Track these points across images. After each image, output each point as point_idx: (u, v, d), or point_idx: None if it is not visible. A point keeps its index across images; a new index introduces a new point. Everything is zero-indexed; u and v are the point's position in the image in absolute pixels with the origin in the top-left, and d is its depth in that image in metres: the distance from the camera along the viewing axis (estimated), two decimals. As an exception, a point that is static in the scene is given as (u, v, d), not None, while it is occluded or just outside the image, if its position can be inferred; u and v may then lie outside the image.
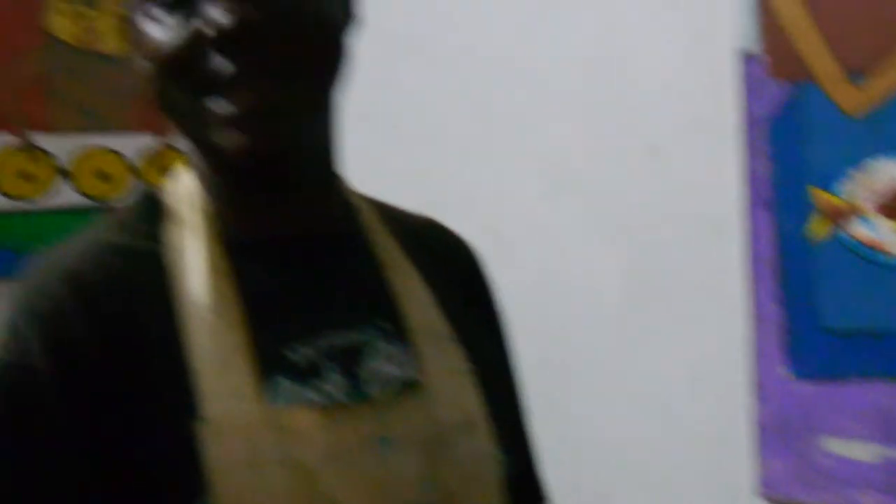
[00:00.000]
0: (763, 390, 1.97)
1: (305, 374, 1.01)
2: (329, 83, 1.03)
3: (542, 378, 2.15)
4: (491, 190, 2.29)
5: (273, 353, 1.00)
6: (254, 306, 1.02)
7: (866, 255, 1.89)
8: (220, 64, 0.97)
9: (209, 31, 0.96)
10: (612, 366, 2.17)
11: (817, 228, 1.93)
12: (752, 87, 1.98)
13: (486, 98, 2.30)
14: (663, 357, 2.08)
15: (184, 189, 1.09)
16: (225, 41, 0.96)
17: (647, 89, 2.11)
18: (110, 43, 2.40)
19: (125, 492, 0.96)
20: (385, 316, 1.08)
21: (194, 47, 0.97)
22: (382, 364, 1.05)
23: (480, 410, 1.09)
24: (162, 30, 0.98)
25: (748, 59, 1.98)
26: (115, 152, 2.42)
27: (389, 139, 2.38)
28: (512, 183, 2.25)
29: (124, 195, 2.41)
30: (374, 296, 1.09)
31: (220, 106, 0.97)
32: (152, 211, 1.08)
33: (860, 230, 1.89)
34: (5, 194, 2.29)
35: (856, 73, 1.89)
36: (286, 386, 0.99)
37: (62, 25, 2.34)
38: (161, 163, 2.46)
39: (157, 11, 0.99)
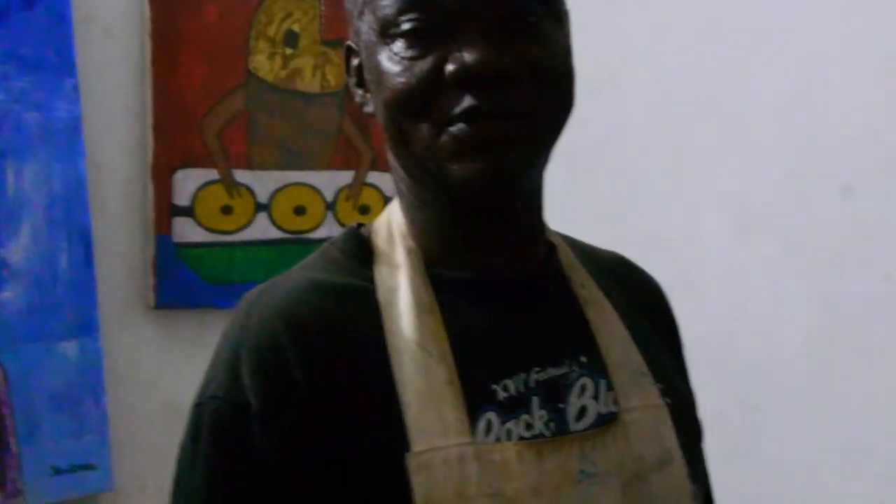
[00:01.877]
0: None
1: (511, 409, 1.03)
2: (561, 128, 1.07)
3: (729, 418, 2.16)
4: (681, 229, 2.29)
5: (480, 388, 1.03)
6: (461, 342, 1.04)
7: None
8: (465, 98, 1.00)
9: (460, 74, 1.00)
10: (799, 407, 2.15)
11: None
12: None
13: (679, 137, 2.31)
14: (852, 401, 2.06)
15: (389, 226, 1.11)
16: (474, 80, 1.00)
17: (842, 128, 2.09)
18: (309, 82, 2.46)
19: None
20: (586, 352, 1.10)
21: (439, 83, 1.01)
22: (585, 399, 1.07)
23: (676, 445, 1.11)
24: (401, 66, 1.02)
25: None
26: (312, 187, 2.48)
27: (582, 176, 2.40)
28: (702, 222, 2.26)
29: (319, 229, 2.47)
30: (575, 332, 1.12)
31: (460, 132, 1.01)
32: (360, 249, 1.11)
33: None
34: (207, 228, 2.37)
35: None
36: (493, 420, 1.02)
37: (264, 65, 2.41)
38: (355, 199, 2.51)
39: (398, 47, 1.02)
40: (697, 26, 2.29)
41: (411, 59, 1.02)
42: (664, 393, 1.13)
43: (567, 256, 1.17)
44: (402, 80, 1.02)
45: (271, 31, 2.42)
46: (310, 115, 2.47)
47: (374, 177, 2.55)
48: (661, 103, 2.33)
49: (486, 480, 0.98)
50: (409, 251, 1.08)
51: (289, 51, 2.44)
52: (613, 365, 1.10)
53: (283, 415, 0.99)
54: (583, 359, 1.09)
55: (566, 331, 1.11)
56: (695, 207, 2.28)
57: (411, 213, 1.11)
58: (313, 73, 2.46)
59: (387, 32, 1.03)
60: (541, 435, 1.03)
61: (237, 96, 2.39)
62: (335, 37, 2.46)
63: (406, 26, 1.02)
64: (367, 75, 1.08)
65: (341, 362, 1.01)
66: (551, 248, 1.16)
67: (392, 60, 1.03)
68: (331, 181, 2.50)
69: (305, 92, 2.47)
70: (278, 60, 2.43)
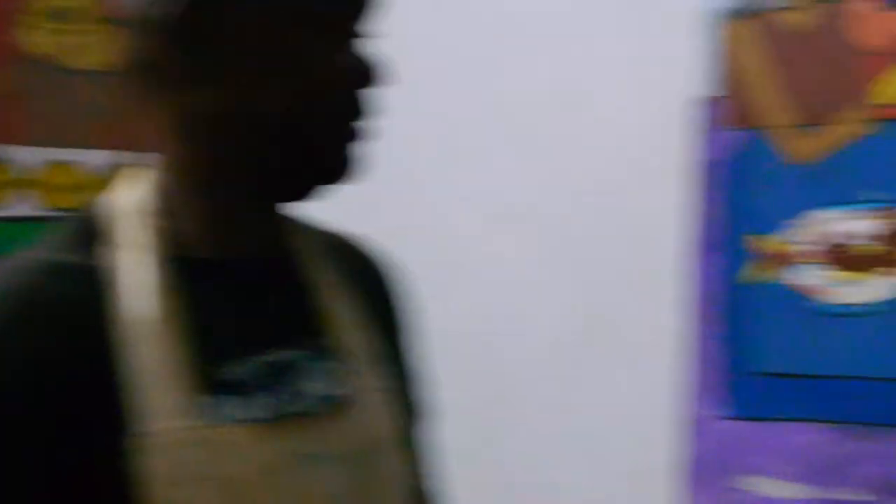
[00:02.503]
0: (695, 429, 2.02)
1: (239, 392, 1.03)
2: None
3: (482, 410, 2.21)
4: (440, 222, 2.32)
5: (209, 370, 1.03)
6: (191, 324, 1.04)
7: (801, 301, 1.94)
8: (357, 96, 1.05)
9: (366, 75, 1.04)
10: (551, 400, 2.21)
11: (758, 273, 1.98)
12: (706, 132, 2.04)
13: (444, 129, 2.34)
14: (602, 395, 2.14)
15: (130, 205, 1.09)
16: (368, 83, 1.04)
17: (603, 131, 2.16)
18: (81, 58, 2.43)
19: None
20: (315, 335, 1.11)
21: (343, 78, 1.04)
22: (313, 382, 1.08)
23: (399, 428, 1.14)
24: (312, 56, 1.03)
25: (702, 105, 2.04)
26: (80, 165, 2.45)
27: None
28: (466, 215, 2.30)
29: (85, 207, 2.44)
30: (305, 315, 1.13)
31: (353, 126, 1.05)
32: (91, 228, 1.08)
33: (799, 277, 1.95)
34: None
35: (807, 124, 1.95)
36: (220, 403, 1.02)
37: (34, 40, 2.37)
38: (121, 177, 2.49)
39: (314, 36, 1.03)
40: (466, 21, 2.32)
41: (322, 51, 1.03)
42: (387, 376, 1.16)
43: (299, 237, 1.18)
44: (314, 71, 1.03)
45: (42, 5, 2.38)
46: (78, 91, 2.44)
47: (143, 156, 2.53)
48: (425, 96, 2.35)
49: (210, 463, 0.99)
50: (152, 231, 1.07)
51: (60, 26, 2.41)
52: (341, 349, 1.12)
53: (10, 401, 0.97)
54: (312, 342, 1.10)
55: (297, 314, 1.12)
56: (454, 201, 2.32)
57: (166, 193, 1.09)
58: (86, 49, 2.44)
59: (304, 19, 1.03)
60: (268, 417, 1.04)
61: (6, 72, 2.35)
62: (108, 13, 2.43)
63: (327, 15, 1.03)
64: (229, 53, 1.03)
65: (66, 344, 1.00)
66: (285, 230, 1.17)
67: (305, 49, 1.03)
68: (99, 159, 2.48)
69: (77, 69, 2.44)
70: (49, 35, 2.40)
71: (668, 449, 2.07)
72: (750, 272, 1.99)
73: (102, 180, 2.48)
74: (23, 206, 2.38)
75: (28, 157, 2.38)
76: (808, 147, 1.96)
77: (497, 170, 2.28)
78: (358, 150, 1.07)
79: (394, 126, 2.37)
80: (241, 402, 1.03)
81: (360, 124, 1.06)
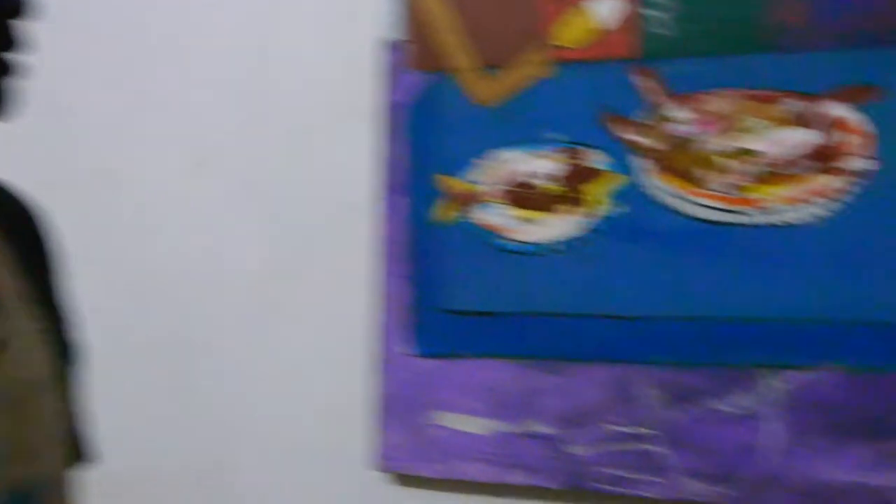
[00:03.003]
0: (385, 367, 2.05)
1: None
2: None
3: (178, 351, 2.20)
4: (136, 166, 2.30)
5: None
6: None
7: (487, 240, 1.99)
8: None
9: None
10: (248, 342, 2.21)
11: (444, 213, 2.02)
12: (391, 75, 2.06)
13: (137, 72, 2.31)
14: (297, 334, 2.15)
15: None
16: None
17: (291, 71, 2.17)
18: None
19: None
20: None
21: None
22: None
23: (50, 370, 1.11)
24: None
25: (390, 48, 2.06)
26: None
27: (40, 112, 2.37)
28: (157, 161, 2.27)
29: None
30: None
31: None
32: None
33: (483, 216, 1.99)
34: None
35: (489, 67, 1.99)
36: None
37: None
38: None
39: None
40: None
41: None
42: (41, 318, 1.13)
43: None
44: None
45: None
46: None
47: None
48: (121, 38, 2.32)
49: None
50: None
51: None
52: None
53: None
54: None
55: None
56: (150, 146, 2.28)
57: None
58: None
59: None
60: None
61: None
62: None
63: None
64: None
65: None
66: None
67: None
68: None
69: None
70: None
71: (361, 387, 2.10)
72: (436, 212, 2.03)
73: None
74: None
75: None
76: (491, 89, 2.01)
77: (190, 114, 2.26)
78: (10, 84, 1.02)
79: (88, 71, 2.33)
80: None
81: (11, 57, 1.01)
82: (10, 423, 1.04)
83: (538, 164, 1.97)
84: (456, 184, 2.02)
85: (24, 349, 1.09)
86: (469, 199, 2.01)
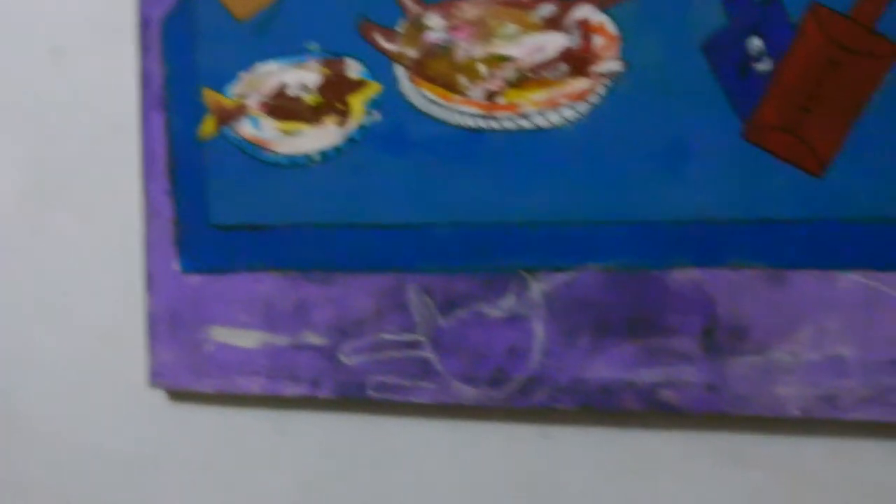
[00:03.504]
0: (155, 284, 2.04)
1: None
2: None
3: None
4: None
5: None
6: None
7: (251, 153, 1.98)
8: None
9: None
10: (12, 268, 2.18)
11: (207, 128, 2.00)
12: (145, -12, 2.03)
13: None
14: (63, 254, 2.12)
15: None
16: None
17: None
18: None
19: None
20: None
21: None
22: None
23: None
24: None
25: (140, -40, 2.03)
26: None
27: None
28: None
29: None
30: None
31: None
32: None
33: (246, 129, 1.98)
34: None
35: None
36: None
37: None
38: None
39: None
40: None
41: None
42: None
43: None
44: None
45: None
46: None
47: None
48: None
49: None
50: None
51: None
52: None
53: None
54: None
55: None
56: None
57: None
58: None
59: None
60: None
61: None
62: None
63: None
64: None
65: None
66: None
67: None
68: None
69: None
70: None
71: (132, 306, 2.09)
72: (201, 127, 2.01)
73: None
74: None
75: None
76: (248, 3, 1.98)
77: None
78: None
79: None
80: None
81: None
82: None
83: (298, 76, 1.96)
84: (217, 97, 2.00)
85: None
86: (231, 113, 2.00)
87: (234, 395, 2.02)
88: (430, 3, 1.89)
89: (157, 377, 2.06)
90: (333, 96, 1.95)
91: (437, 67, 1.88)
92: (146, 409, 2.09)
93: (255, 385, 2.00)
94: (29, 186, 2.15)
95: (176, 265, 2.03)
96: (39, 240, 2.15)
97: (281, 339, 1.98)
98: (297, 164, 1.96)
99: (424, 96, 1.89)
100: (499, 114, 1.85)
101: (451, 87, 1.88)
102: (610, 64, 1.79)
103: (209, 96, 2.01)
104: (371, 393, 1.94)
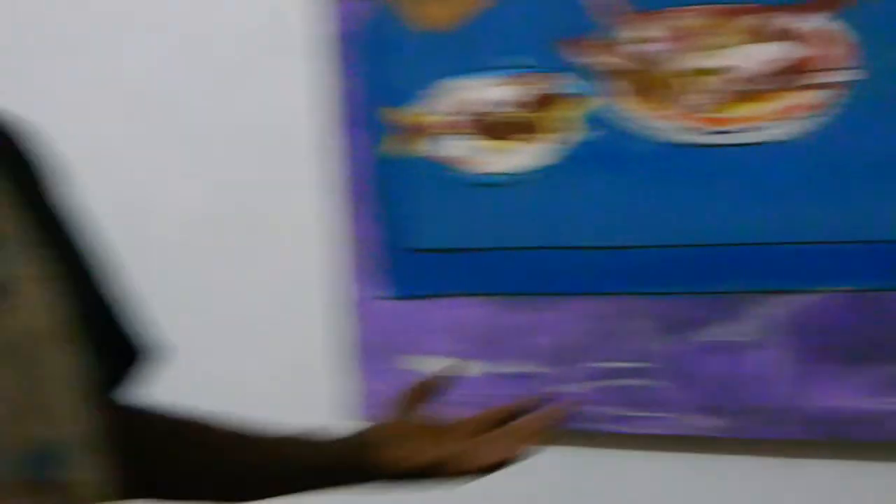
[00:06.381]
0: (357, 312, 1.98)
1: None
2: None
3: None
4: (72, 109, 2.18)
5: None
6: None
7: (444, 173, 1.90)
8: None
9: None
10: (199, 293, 2.13)
11: (401, 147, 1.93)
12: (333, 5, 1.95)
13: (56, 14, 2.18)
14: (253, 283, 2.06)
15: None
16: None
17: (221, 8, 2.05)
18: None
19: None
20: None
21: None
22: None
23: (64, 319, 1.02)
24: None
25: (324, -24, 1.94)
26: None
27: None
28: (88, 103, 2.15)
29: None
30: None
31: None
32: None
33: (443, 148, 1.90)
34: None
35: (434, -10, 1.89)
36: None
37: None
38: None
39: None
40: None
41: None
42: (48, 261, 1.04)
43: None
44: None
45: None
46: None
47: None
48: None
49: None
50: None
51: None
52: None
53: None
54: None
55: None
56: (80, 87, 2.16)
57: None
58: None
59: None
60: None
61: None
62: None
63: None
64: None
65: None
66: None
67: None
68: None
69: None
70: None
71: (330, 335, 2.03)
72: (392, 146, 1.93)
73: None
74: None
75: None
76: (438, 14, 1.90)
77: (126, 55, 2.14)
78: None
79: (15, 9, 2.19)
80: None
81: None
82: (17, 378, 0.96)
83: (497, 92, 1.88)
84: (411, 116, 1.92)
85: (28, 295, 1.00)
86: (425, 131, 1.91)
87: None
88: (643, 13, 1.78)
89: (362, 408, 1.99)
90: (535, 113, 1.86)
91: (651, 80, 1.78)
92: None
93: (463, 414, 1.93)
94: (217, 211, 2.09)
95: (378, 291, 1.96)
96: (228, 266, 2.09)
97: (493, 368, 1.91)
98: (501, 184, 1.88)
99: (637, 111, 1.79)
100: (720, 128, 1.75)
101: (666, 101, 1.77)
102: (844, 73, 1.68)
103: (402, 114, 1.93)
104: (594, 424, 1.86)
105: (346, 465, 1.29)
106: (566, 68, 1.82)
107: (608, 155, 1.81)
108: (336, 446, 1.31)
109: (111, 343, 1.19)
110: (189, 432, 1.32)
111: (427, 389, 1.35)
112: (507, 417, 1.34)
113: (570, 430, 1.78)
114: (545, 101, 1.84)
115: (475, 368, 1.91)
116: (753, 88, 1.72)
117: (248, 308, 2.10)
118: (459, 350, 1.91)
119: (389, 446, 1.28)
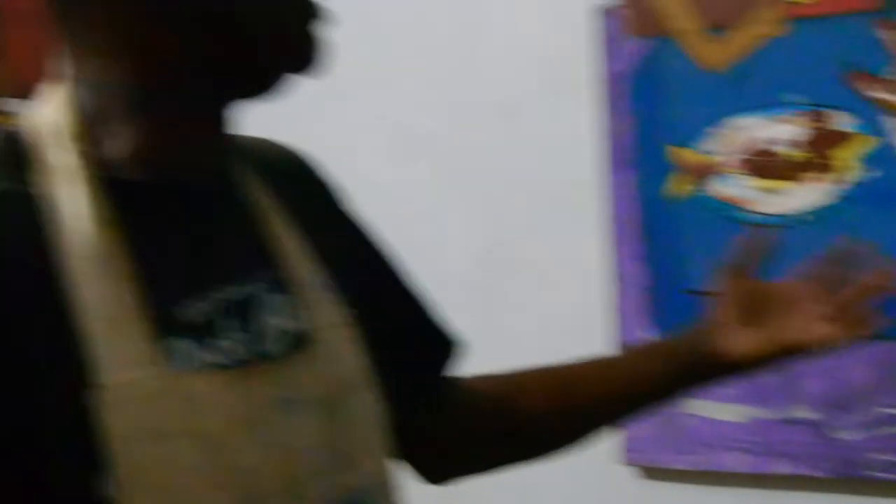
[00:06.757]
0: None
1: (201, 333, 0.93)
2: None
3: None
4: (337, 149, 2.20)
5: (166, 310, 0.92)
6: (141, 258, 0.92)
7: (728, 213, 1.87)
8: None
9: None
10: (468, 335, 2.12)
11: (678, 187, 1.90)
12: (610, 44, 1.94)
13: (342, 56, 2.22)
14: (521, 324, 2.04)
15: (45, 127, 0.96)
16: None
17: (501, 45, 2.05)
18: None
19: (11, 470, 0.87)
20: (268, 267, 1.01)
21: None
22: (274, 317, 0.98)
23: (364, 365, 1.04)
24: None
25: (606, 14, 1.94)
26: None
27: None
28: (359, 141, 2.17)
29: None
30: (254, 245, 1.02)
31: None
32: (17, 150, 0.95)
33: (721, 188, 1.87)
34: None
35: (716, 28, 1.86)
36: (183, 347, 0.91)
37: None
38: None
39: None
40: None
41: None
42: (349, 304, 1.05)
43: (235, 154, 1.06)
44: None
45: None
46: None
47: (9, 104, 2.35)
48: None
49: (182, 416, 0.89)
50: (80, 154, 0.94)
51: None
52: (298, 281, 1.01)
53: None
54: (268, 274, 1.00)
55: (246, 244, 1.02)
56: (350, 127, 2.19)
57: (104, 113, 0.95)
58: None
59: None
60: (240, 361, 0.94)
61: None
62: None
63: None
64: None
65: (6, 286, 0.88)
66: (225, 144, 1.04)
67: None
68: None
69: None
70: None
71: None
72: (669, 186, 1.91)
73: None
74: None
75: None
76: (719, 52, 1.87)
77: (398, 96, 2.16)
78: (322, 30, 0.97)
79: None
80: (204, 346, 0.93)
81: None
82: (323, 428, 0.97)
83: (779, 130, 1.83)
84: (689, 155, 1.89)
85: (335, 344, 1.01)
86: (704, 171, 1.88)
87: (715, 472, 1.90)
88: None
89: (631, 454, 1.95)
90: (819, 151, 1.81)
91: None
92: (615, 486, 1.99)
93: (739, 462, 1.88)
94: (485, 250, 2.09)
95: (648, 333, 1.92)
96: (496, 305, 2.08)
97: (766, 413, 1.85)
98: (779, 225, 1.83)
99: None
100: None
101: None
102: None
103: (679, 154, 1.90)
104: (871, 472, 1.78)
105: (690, 366, 1.26)
106: (848, 105, 1.77)
107: (890, 194, 1.75)
108: (675, 349, 1.28)
109: (431, 337, 1.24)
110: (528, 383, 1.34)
111: (752, 253, 1.31)
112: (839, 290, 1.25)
113: (846, 478, 1.72)
114: (825, 140, 1.80)
115: (747, 414, 1.85)
116: None
117: (512, 345, 2.08)
118: (730, 394, 1.86)
119: (725, 337, 1.25)
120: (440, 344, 1.24)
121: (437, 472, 1.25)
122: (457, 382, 1.24)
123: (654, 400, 1.28)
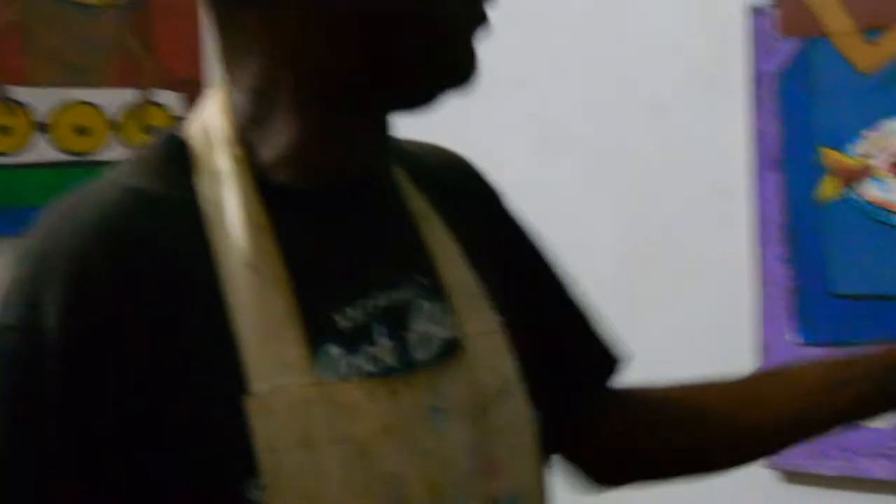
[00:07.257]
0: (770, 356, 1.93)
1: (355, 341, 0.93)
2: None
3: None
4: (484, 147, 2.20)
5: (320, 317, 0.92)
6: (296, 264, 0.93)
7: (878, 217, 1.84)
8: None
9: None
10: (617, 329, 2.12)
11: (828, 189, 1.88)
12: (761, 43, 1.92)
13: (487, 54, 2.22)
14: (663, 323, 2.03)
15: (206, 132, 0.97)
16: None
17: (650, 44, 2.04)
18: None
19: (165, 473, 0.88)
20: (423, 273, 1.00)
21: None
22: (425, 324, 0.98)
23: (515, 372, 1.02)
24: None
25: (758, 13, 1.92)
26: (95, 106, 2.31)
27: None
28: (506, 140, 2.17)
29: (103, 150, 2.31)
30: (410, 250, 1.02)
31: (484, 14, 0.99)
32: (181, 154, 0.96)
33: (872, 191, 1.85)
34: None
35: (870, 30, 1.83)
36: (336, 355, 0.92)
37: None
38: (141, 117, 2.35)
39: None
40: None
41: None
42: (500, 311, 1.04)
43: (392, 159, 1.06)
44: None
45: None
46: (90, 28, 2.29)
47: (159, 95, 2.39)
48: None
49: (334, 423, 0.89)
50: (236, 159, 0.94)
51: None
52: (451, 287, 1.01)
53: (94, 353, 0.87)
54: (420, 280, 1.00)
55: (402, 249, 1.01)
56: (498, 124, 2.19)
57: (263, 117, 0.96)
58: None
59: None
60: (390, 369, 0.94)
61: (10, 5, 2.20)
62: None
63: None
64: None
65: (167, 289, 0.89)
66: (383, 148, 1.04)
67: None
68: (114, 99, 2.34)
69: (85, 3, 2.29)
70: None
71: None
72: (819, 188, 1.88)
73: (119, 121, 2.34)
74: (39, 151, 2.25)
75: (39, 98, 2.24)
76: (873, 54, 1.84)
77: (545, 92, 2.15)
78: (482, 40, 0.97)
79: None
80: (354, 353, 0.93)
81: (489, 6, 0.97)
82: (474, 435, 0.97)
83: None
84: (840, 157, 1.87)
85: (487, 351, 1.01)
86: (855, 174, 1.86)
87: (859, 479, 1.87)
88: None
89: (775, 459, 1.93)
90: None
91: None
92: (760, 491, 1.97)
93: (883, 469, 1.85)
94: (629, 250, 2.08)
95: (793, 336, 1.91)
96: (637, 308, 2.07)
97: (910, 420, 1.82)
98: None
99: None
100: None
101: None
102: None
103: (830, 156, 1.88)
104: None
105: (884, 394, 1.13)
106: None
107: None
108: (870, 370, 1.15)
109: (595, 350, 1.22)
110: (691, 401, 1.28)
111: None
112: None
113: None
114: None
115: (887, 419, 1.83)
116: None
117: (653, 347, 2.07)
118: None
119: None
120: (604, 358, 1.22)
121: (605, 476, 1.24)
122: (626, 391, 1.23)
123: (842, 424, 1.20)
